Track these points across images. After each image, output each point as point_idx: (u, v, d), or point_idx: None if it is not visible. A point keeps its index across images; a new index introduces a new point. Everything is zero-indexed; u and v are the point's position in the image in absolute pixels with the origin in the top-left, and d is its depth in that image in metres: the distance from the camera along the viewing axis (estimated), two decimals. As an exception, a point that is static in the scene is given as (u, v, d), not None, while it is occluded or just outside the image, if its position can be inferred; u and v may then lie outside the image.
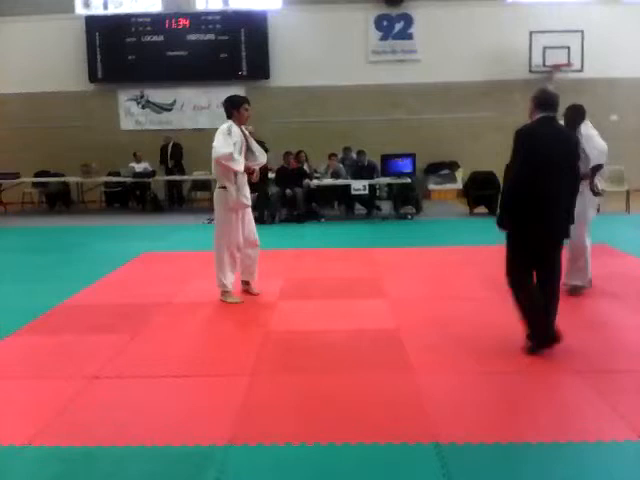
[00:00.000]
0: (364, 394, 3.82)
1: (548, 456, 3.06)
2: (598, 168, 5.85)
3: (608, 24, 14.65)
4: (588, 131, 5.82)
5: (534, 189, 4.18)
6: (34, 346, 4.80)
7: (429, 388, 3.89)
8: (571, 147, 4.38)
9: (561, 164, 4.27)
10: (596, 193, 5.86)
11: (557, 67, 14.53)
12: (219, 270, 5.95)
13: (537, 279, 4.42)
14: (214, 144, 5.68)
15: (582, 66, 14.40)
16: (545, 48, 14.43)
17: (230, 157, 5.64)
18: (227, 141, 5.65)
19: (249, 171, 5.98)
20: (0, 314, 5.71)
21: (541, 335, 4.36)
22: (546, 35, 14.31)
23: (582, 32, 14.31)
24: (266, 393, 3.88)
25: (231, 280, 5.98)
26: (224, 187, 5.82)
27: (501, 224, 4.34)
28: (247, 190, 5.98)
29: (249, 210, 6.08)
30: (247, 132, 6.04)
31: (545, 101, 4.33)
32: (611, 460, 3.08)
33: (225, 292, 5.97)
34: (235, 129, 5.78)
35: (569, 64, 14.44)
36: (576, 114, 5.88)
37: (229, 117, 5.86)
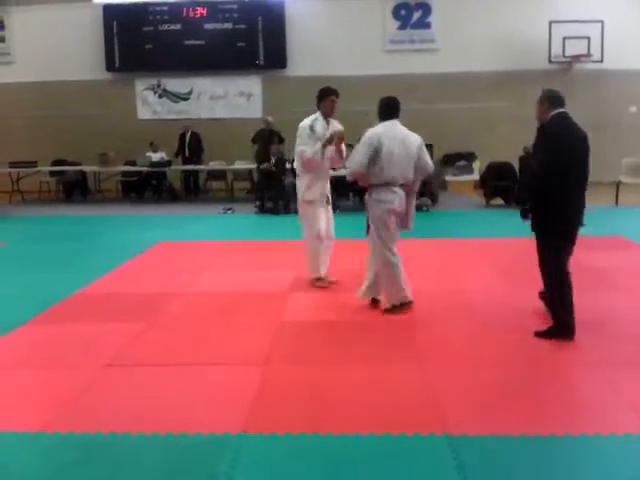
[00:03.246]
0: (376, 385, 3.82)
1: (559, 448, 3.04)
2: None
3: (628, 14, 14.41)
4: (393, 130, 5.54)
5: (567, 185, 4.41)
6: (49, 335, 4.84)
7: (441, 379, 3.89)
8: (587, 141, 4.57)
9: (582, 159, 4.55)
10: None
11: (577, 58, 14.35)
12: (310, 259, 6.18)
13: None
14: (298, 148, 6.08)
15: (602, 57, 14.19)
16: (565, 38, 14.23)
17: (311, 154, 6.02)
18: (309, 140, 6.03)
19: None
20: (16, 303, 5.77)
21: (571, 326, 4.52)
22: (566, 25, 14.11)
23: (602, 22, 14.10)
24: (279, 383, 3.89)
25: (323, 268, 6.17)
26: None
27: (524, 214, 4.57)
28: (327, 183, 6.35)
29: (329, 206, 6.35)
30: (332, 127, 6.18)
31: (559, 99, 4.57)
32: (623, 452, 3.06)
33: (317, 279, 6.15)
34: (319, 123, 6.12)
35: (589, 55, 14.24)
36: (387, 108, 5.69)
37: (319, 108, 6.21)
